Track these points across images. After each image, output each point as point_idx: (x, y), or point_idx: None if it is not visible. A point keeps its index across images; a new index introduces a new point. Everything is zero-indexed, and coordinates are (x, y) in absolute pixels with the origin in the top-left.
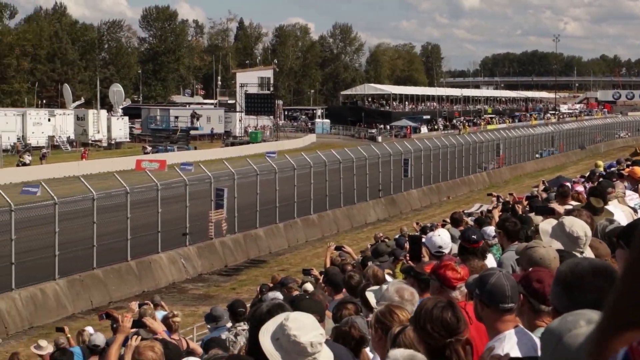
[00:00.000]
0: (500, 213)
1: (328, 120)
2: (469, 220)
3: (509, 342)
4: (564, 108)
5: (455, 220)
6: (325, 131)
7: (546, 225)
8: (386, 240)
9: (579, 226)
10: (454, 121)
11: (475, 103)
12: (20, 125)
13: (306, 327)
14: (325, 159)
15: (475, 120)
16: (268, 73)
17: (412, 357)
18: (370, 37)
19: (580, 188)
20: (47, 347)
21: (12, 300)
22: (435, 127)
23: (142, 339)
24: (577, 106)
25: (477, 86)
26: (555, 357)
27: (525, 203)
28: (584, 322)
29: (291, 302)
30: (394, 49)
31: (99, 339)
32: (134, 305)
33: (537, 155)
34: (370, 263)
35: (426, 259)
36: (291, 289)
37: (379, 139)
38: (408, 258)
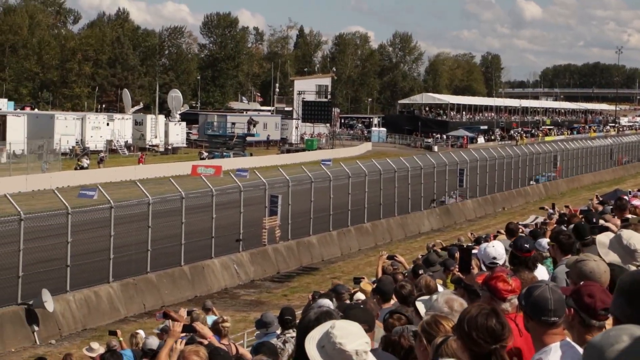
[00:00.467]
0: (555, 225)
1: (384, 129)
2: (525, 231)
3: (554, 355)
4: (624, 121)
5: (511, 231)
6: (381, 140)
7: (604, 237)
8: (437, 250)
9: (637, 239)
10: (512, 132)
11: (533, 114)
12: (80, 129)
13: (352, 336)
14: (380, 168)
15: (533, 132)
16: (326, 81)
17: None
18: (430, 46)
19: (637, 202)
20: (99, 350)
21: (67, 302)
22: (492, 137)
23: (187, 344)
24: (638, 119)
25: (536, 97)
26: None
27: (580, 217)
28: (626, 337)
29: (343, 310)
30: (453, 59)
31: (154, 342)
32: (183, 312)
33: (532, 182)
34: (421, 272)
35: (475, 270)
36: (343, 297)
37: (435, 148)
38: (457, 270)
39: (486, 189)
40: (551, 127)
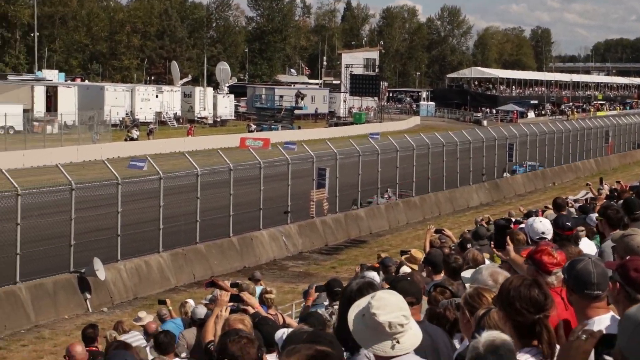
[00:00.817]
0: (604, 200)
1: (433, 103)
2: (575, 206)
3: (597, 326)
4: None
5: (558, 206)
6: (429, 114)
7: None
8: (483, 224)
9: None
10: (562, 107)
11: (585, 89)
12: (129, 101)
13: (389, 307)
14: (429, 142)
15: (584, 107)
16: (374, 54)
17: (493, 340)
18: (479, 20)
19: None
20: (146, 318)
21: (118, 271)
22: (543, 112)
23: (232, 313)
24: None
25: (587, 72)
26: (632, 342)
27: (631, 192)
28: None
29: (390, 282)
30: (502, 33)
31: (202, 311)
32: (226, 283)
33: (505, 174)
34: (469, 246)
35: (510, 246)
36: (390, 269)
37: (484, 123)
38: (492, 246)
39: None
40: (603, 102)
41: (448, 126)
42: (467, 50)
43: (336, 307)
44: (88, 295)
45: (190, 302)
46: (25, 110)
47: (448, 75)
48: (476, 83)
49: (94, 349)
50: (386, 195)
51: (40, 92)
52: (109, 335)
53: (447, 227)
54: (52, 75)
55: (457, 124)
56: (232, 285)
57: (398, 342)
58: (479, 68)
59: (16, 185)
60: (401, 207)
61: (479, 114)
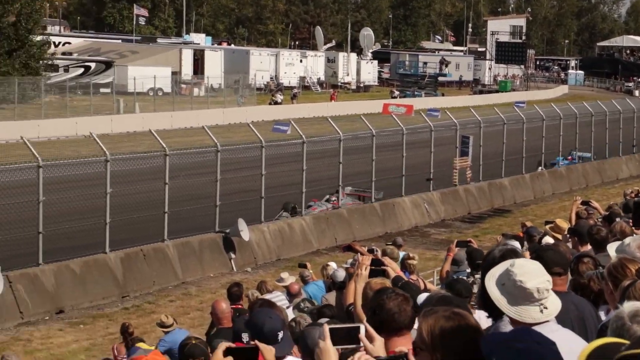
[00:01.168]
0: None
1: (582, 72)
2: None
3: None
4: None
5: None
6: (578, 83)
7: None
8: (628, 197)
9: None
10: None
11: None
12: (274, 65)
13: (532, 273)
14: (576, 111)
15: None
16: (520, 21)
17: (638, 309)
18: None
19: None
20: (289, 279)
21: (262, 233)
22: None
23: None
24: None
25: None
26: None
27: None
28: None
29: (535, 251)
30: None
31: (341, 275)
32: (363, 249)
33: (540, 168)
34: (617, 219)
35: None
36: (534, 239)
37: (636, 92)
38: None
39: None
40: None
41: (597, 96)
42: (618, 18)
43: (477, 276)
44: (232, 255)
45: (332, 264)
46: (173, 73)
47: (598, 44)
48: (628, 52)
49: (239, 306)
50: (333, 198)
51: (188, 56)
52: (251, 295)
53: (594, 199)
54: (200, 39)
55: (607, 93)
56: (368, 250)
57: (546, 307)
58: (632, 36)
59: (164, 146)
60: (547, 177)
61: (630, 84)
